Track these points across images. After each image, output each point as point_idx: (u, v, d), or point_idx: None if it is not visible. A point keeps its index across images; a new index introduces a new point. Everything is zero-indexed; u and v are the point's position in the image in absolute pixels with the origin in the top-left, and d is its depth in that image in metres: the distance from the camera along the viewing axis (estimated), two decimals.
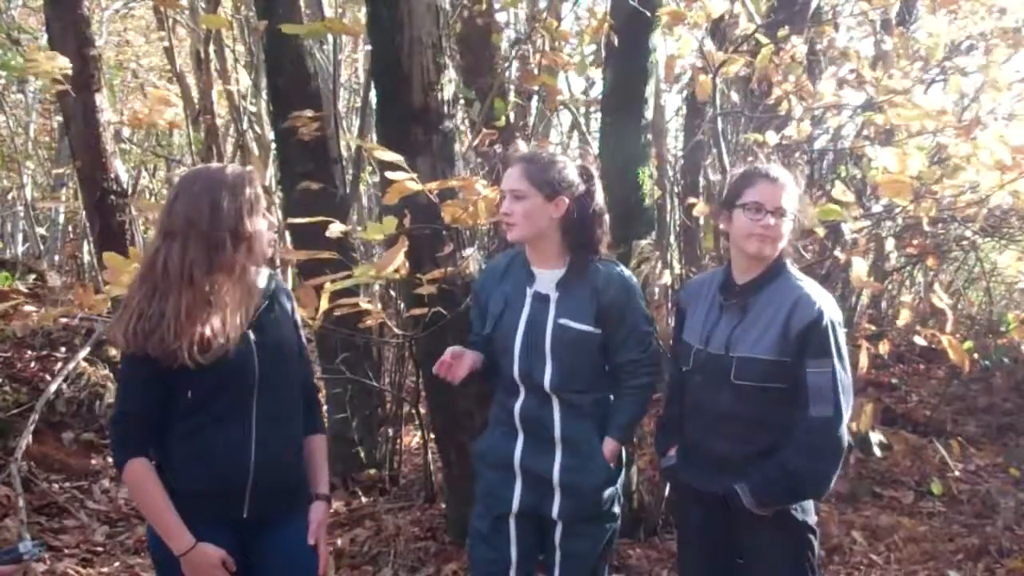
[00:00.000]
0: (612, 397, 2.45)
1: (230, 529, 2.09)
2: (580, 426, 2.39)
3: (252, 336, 2.10)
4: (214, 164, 2.17)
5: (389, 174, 2.88)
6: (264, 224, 2.09)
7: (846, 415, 2.20)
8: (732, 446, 2.29)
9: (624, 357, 2.40)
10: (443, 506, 4.08)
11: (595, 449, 2.39)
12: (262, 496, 2.10)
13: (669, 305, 3.97)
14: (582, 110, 5.75)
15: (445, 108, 3.35)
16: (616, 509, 2.47)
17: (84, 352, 5.08)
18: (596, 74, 4.30)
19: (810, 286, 2.27)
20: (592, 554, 2.42)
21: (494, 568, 2.44)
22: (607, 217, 2.46)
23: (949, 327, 3.59)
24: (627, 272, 2.48)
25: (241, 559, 2.10)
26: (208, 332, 1.98)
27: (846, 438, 2.22)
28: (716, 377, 2.29)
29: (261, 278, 2.18)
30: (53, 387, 4.71)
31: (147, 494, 2.05)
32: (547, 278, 2.40)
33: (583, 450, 2.39)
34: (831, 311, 2.22)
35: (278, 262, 2.27)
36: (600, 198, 2.44)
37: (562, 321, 2.36)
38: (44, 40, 6.36)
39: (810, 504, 2.34)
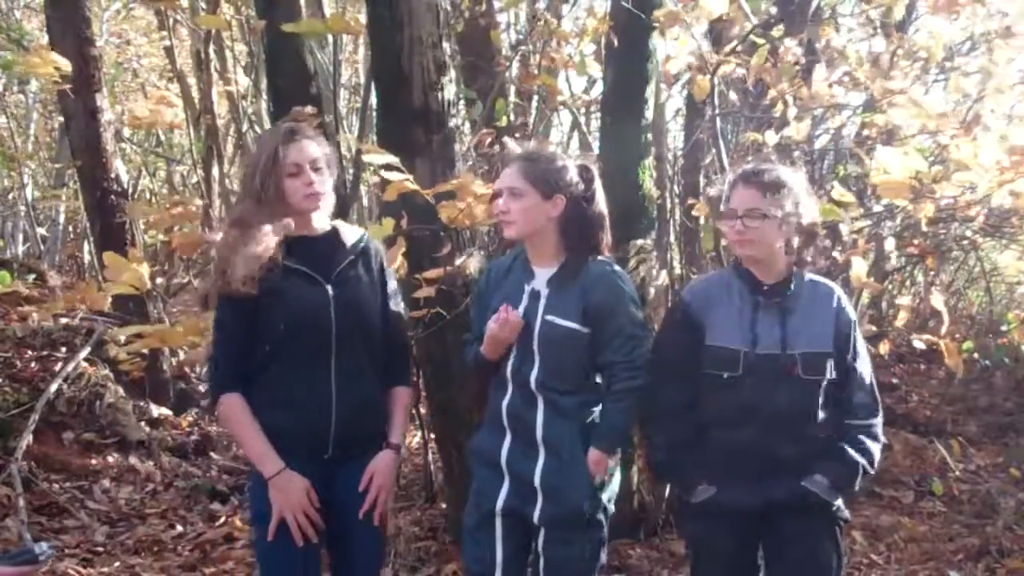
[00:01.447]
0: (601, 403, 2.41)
1: (316, 464, 2.23)
2: (562, 429, 2.35)
3: (331, 291, 2.24)
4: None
5: (385, 174, 2.88)
6: (288, 180, 2.20)
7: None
8: (788, 444, 2.30)
9: (607, 358, 2.35)
10: (443, 506, 4.08)
11: (577, 455, 2.34)
12: (343, 440, 2.26)
13: (669, 306, 3.96)
14: (582, 110, 5.75)
15: (446, 108, 3.35)
16: (601, 518, 2.41)
17: (84, 352, 5.09)
18: (597, 72, 4.28)
19: (835, 286, 2.45)
20: (576, 563, 2.37)
21: (481, 565, 2.42)
22: (607, 218, 2.44)
23: (944, 330, 3.59)
24: (621, 273, 2.44)
25: (324, 494, 2.24)
26: (242, 268, 2.14)
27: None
28: (771, 377, 2.29)
29: (350, 236, 2.34)
30: (53, 387, 4.72)
31: (239, 423, 2.22)
32: (543, 275, 2.40)
33: (563, 454, 2.35)
34: None
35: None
36: (601, 198, 2.43)
37: (549, 318, 2.34)
38: (45, 41, 6.36)
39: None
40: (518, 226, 2.34)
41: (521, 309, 2.38)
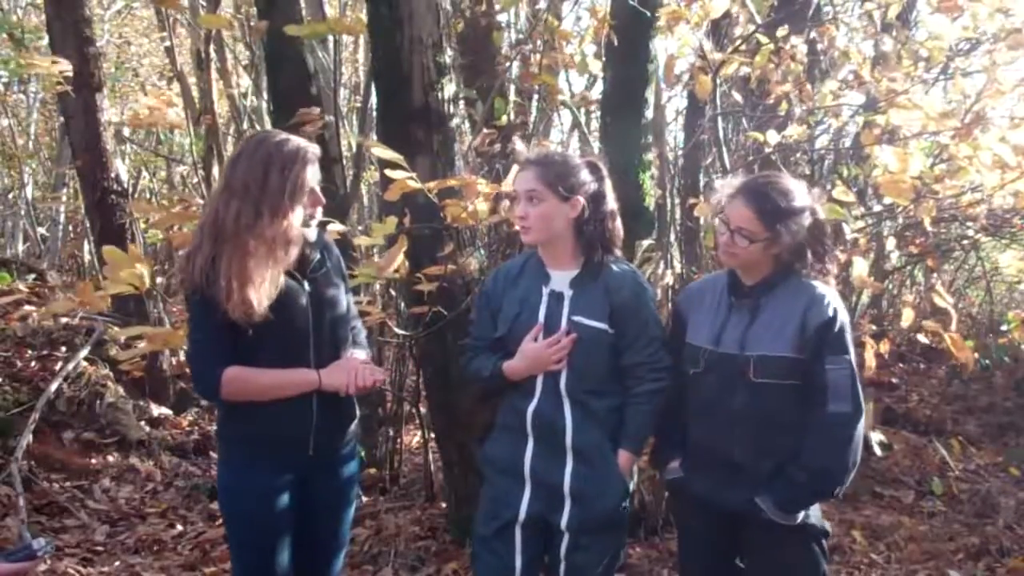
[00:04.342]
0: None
1: (297, 466, 2.29)
2: (592, 434, 2.35)
3: (307, 288, 2.27)
4: (282, 134, 2.27)
5: (389, 172, 2.88)
6: (300, 212, 2.20)
7: (863, 411, 2.22)
8: (749, 449, 2.27)
9: (632, 359, 2.36)
10: (443, 505, 4.08)
11: (608, 459, 2.35)
12: (323, 433, 2.31)
13: (670, 306, 3.97)
14: (582, 110, 5.74)
15: (445, 108, 3.35)
16: (625, 522, 2.44)
17: (84, 352, 5.10)
18: (598, 69, 4.27)
19: (822, 286, 2.27)
20: (598, 567, 2.37)
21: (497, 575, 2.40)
22: (618, 215, 2.44)
23: (953, 326, 3.58)
24: (640, 274, 2.47)
25: (300, 495, 2.32)
26: (248, 298, 2.11)
27: (862, 434, 2.23)
28: (730, 377, 2.28)
29: (311, 233, 2.32)
30: (53, 386, 4.72)
31: (257, 380, 2.21)
32: (561, 277, 2.39)
33: (595, 459, 2.35)
34: (842, 311, 2.25)
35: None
36: (611, 196, 2.42)
37: (576, 318, 2.33)
38: (47, 40, 6.35)
39: (818, 509, 2.33)
40: (537, 231, 2.34)
41: (542, 312, 2.36)
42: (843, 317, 2.23)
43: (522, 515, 2.37)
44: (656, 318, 2.42)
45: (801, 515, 2.25)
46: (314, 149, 2.25)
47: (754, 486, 2.25)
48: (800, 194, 2.27)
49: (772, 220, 2.22)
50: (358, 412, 2.48)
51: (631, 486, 2.45)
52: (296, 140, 2.24)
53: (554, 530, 2.37)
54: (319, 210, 2.29)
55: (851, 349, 2.23)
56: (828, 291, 2.26)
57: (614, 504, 2.36)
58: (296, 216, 2.19)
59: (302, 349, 2.26)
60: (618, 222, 2.43)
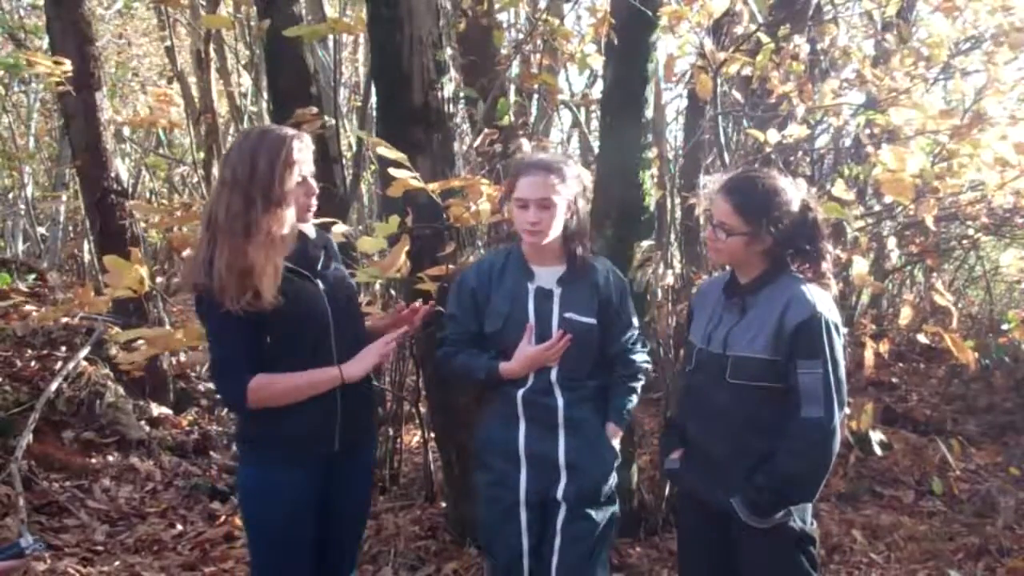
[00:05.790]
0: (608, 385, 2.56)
1: (322, 464, 2.30)
2: (582, 409, 2.48)
3: (321, 285, 2.28)
4: (272, 126, 2.28)
5: (392, 171, 2.88)
6: (295, 191, 2.19)
7: (837, 417, 2.17)
8: (728, 449, 2.29)
9: (618, 347, 2.53)
10: (443, 505, 4.08)
11: (598, 431, 2.49)
12: (348, 428, 2.32)
13: (670, 306, 3.97)
14: (582, 109, 5.74)
15: (445, 107, 3.35)
16: (615, 494, 2.55)
17: (84, 352, 5.09)
18: (598, 65, 4.27)
19: (808, 286, 2.24)
20: (592, 536, 2.46)
21: (509, 559, 2.46)
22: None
23: (954, 325, 3.58)
24: (615, 268, 2.63)
25: (324, 494, 2.32)
26: (247, 286, 2.10)
27: (837, 440, 2.18)
28: (714, 376, 2.30)
29: (311, 231, 2.34)
30: (53, 386, 4.72)
31: (283, 385, 2.20)
32: (547, 274, 2.49)
33: (587, 431, 2.47)
34: (827, 312, 2.20)
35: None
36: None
37: (567, 315, 2.45)
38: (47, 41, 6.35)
39: (807, 512, 2.31)
40: (547, 235, 2.43)
41: (530, 308, 2.46)
42: (828, 318, 2.18)
43: (523, 495, 2.46)
44: (633, 308, 2.59)
45: (778, 517, 2.23)
46: (303, 136, 2.23)
47: (733, 486, 2.25)
48: (786, 192, 2.26)
49: (751, 215, 2.23)
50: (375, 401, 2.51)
51: (633, 483, 2.50)
52: (283, 129, 2.23)
53: (551, 504, 2.46)
54: (314, 201, 2.27)
55: (835, 351, 2.17)
56: (813, 292, 2.23)
57: (606, 472, 2.50)
58: (289, 205, 2.16)
59: (324, 347, 2.28)
60: (586, 213, 2.54)
